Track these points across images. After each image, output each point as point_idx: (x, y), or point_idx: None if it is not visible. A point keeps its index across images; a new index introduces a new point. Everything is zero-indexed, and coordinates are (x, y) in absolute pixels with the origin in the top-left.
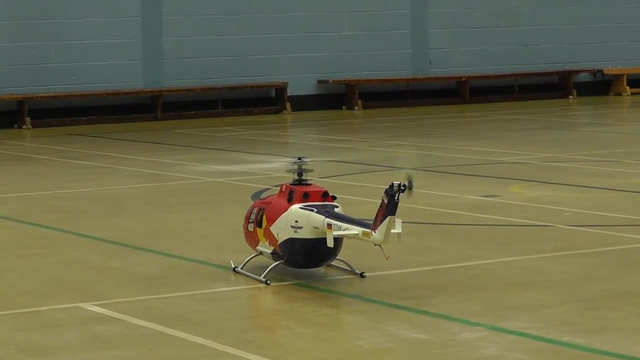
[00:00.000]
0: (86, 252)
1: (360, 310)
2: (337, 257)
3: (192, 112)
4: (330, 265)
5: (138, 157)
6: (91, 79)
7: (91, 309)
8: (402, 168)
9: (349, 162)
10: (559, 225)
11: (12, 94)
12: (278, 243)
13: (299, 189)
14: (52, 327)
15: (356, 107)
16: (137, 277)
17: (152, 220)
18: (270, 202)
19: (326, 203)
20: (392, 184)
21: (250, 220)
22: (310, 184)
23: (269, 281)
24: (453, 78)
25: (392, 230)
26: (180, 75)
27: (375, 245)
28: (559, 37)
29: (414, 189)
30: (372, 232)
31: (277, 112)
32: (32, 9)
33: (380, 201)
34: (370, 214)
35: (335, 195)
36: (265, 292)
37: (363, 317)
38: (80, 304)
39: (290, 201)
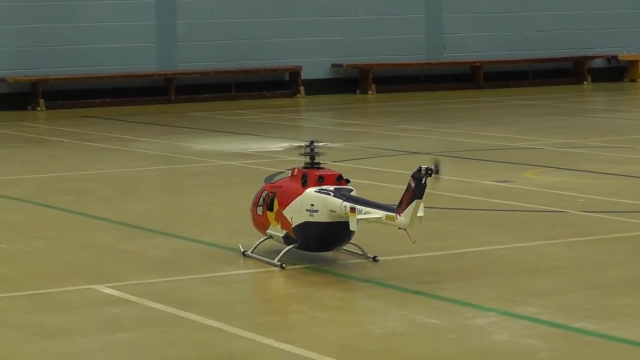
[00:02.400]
0: (100, 234)
1: (374, 295)
2: (350, 242)
3: (206, 95)
4: (342, 250)
5: (151, 140)
6: (105, 62)
7: (104, 291)
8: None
9: (362, 147)
10: (573, 211)
11: (25, 76)
12: (292, 227)
13: (313, 173)
14: (66, 309)
15: (370, 92)
16: (151, 260)
17: (165, 202)
18: (282, 186)
19: (341, 186)
20: (420, 167)
21: (259, 204)
22: (323, 168)
23: (283, 265)
24: (467, 63)
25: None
26: (194, 58)
27: (399, 229)
28: (574, 23)
29: (441, 174)
30: (397, 215)
31: (291, 95)
32: None
33: (407, 185)
34: (382, 197)
35: (349, 179)
36: (277, 275)
37: (376, 302)
38: (94, 286)
39: (305, 185)
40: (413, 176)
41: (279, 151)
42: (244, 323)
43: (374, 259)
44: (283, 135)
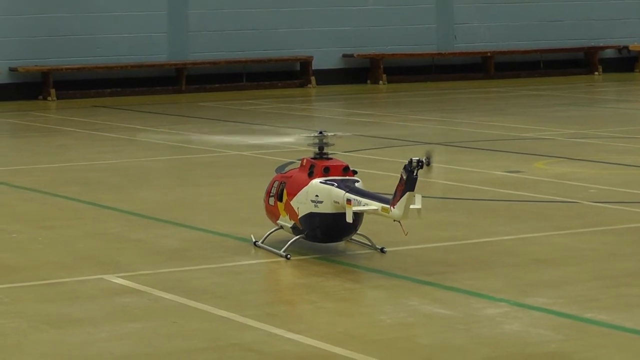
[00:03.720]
0: (110, 224)
1: (383, 286)
2: (358, 232)
3: (217, 85)
4: (351, 240)
5: (162, 130)
6: (116, 51)
7: (114, 281)
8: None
9: (373, 137)
10: (584, 202)
11: (36, 66)
12: (298, 217)
13: (319, 164)
14: (76, 299)
15: (381, 82)
16: (161, 250)
17: (175, 192)
18: (291, 176)
19: (347, 178)
20: (411, 159)
21: (271, 195)
22: (331, 158)
23: (289, 255)
24: (478, 53)
25: (412, 206)
26: (205, 48)
27: (394, 221)
28: (585, 13)
29: (433, 165)
30: (391, 207)
31: (302, 85)
32: None
33: (400, 177)
34: (393, 188)
35: (356, 170)
36: (287, 266)
37: (385, 292)
38: (104, 276)
39: (311, 175)
40: (404, 168)
41: (289, 141)
42: (254, 313)
43: (382, 250)
44: (294, 125)
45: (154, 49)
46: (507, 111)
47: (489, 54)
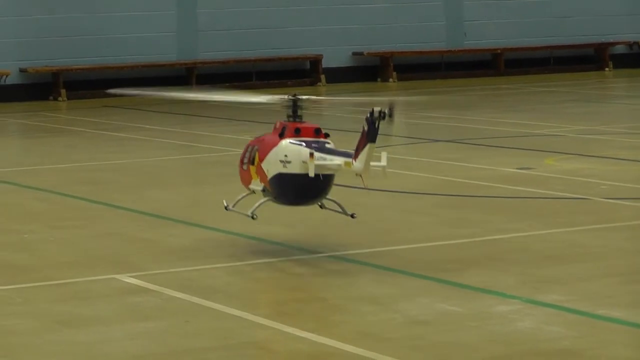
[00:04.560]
0: (121, 223)
1: (395, 283)
2: (329, 198)
3: (226, 84)
4: (322, 206)
5: (172, 129)
6: (126, 51)
7: (126, 280)
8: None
9: (384, 135)
10: (595, 198)
11: (47, 66)
12: (268, 179)
13: (291, 125)
14: (88, 299)
15: (391, 79)
16: (172, 249)
17: (186, 192)
18: (264, 139)
19: (318, 139)
20: (372, 110)
21: (244, 161)
22: (304, 121)
23: (255, 216)
24: (488, 50)
25: (377, 163)
26: (215, 47)
27: (356, 175)
28: (595, 9)
29: (395, 117)
30: (353, 161)
31: (312, 84)
32: None
33: (362, 129)
34: (400, 185)
35: (328, 133)
36: (299, 264)
37: (398, 290)
38: (116, 276)
39: (282, 137)
40: (366, 119)
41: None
42: (266, 312)
43: (352, 215)
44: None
45: (163, 48)
46: (518, 108)
47: (498, 51)
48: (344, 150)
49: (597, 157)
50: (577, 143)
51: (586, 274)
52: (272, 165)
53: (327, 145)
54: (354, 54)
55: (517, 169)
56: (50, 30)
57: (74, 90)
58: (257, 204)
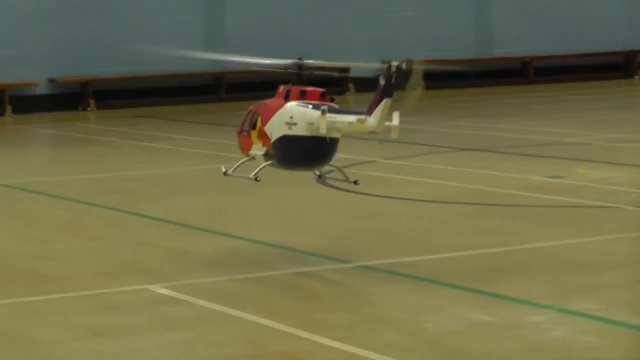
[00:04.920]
0: (149, 233)
1: (426, 292)
2: (331, 164)
3: (255, 94)
4: (321, 176)
5: (201, 139)
6: (155, 61)
7: (156, 290)
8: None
9: (414, 144)
10: (625, 207)
11: (76, 76)
12: (271, 142)
13: (296, 88)
14: (118, 309)
15: (419, 88)
16: (201, 258)
17: (214, 201)
18: (266, 104)
19: (324, 102)
20: (390, 64)
21: (244, 128)
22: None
23: (258, 178)
24: (517, 58)
25: (388, 123)
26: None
27: (369, 132)
28: (624, 17)
29: (413, 72)
30: (367, 117)
31: (340, 93)
32: None
33: (377, 84)
34: (430, 194)
35: (334, 98)
36: (328, 273)
37: (429, 299)
38: (145, 286)
39: (287, 100)
40: (383, 74)
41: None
42: (295, 321)
43: (355, 182)
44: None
45: (192, 58)
46: (547, 116)
47: (527, 59)
48: (356, 109)
49: (627, 165)
50: (607, 151)
51: (618, 283)
52: (276, 128)
53: (335, 107)
54: (383, 62)
55: (548, 177)
56: (79, 40)
57: (103, 100)
58: (258, 168)
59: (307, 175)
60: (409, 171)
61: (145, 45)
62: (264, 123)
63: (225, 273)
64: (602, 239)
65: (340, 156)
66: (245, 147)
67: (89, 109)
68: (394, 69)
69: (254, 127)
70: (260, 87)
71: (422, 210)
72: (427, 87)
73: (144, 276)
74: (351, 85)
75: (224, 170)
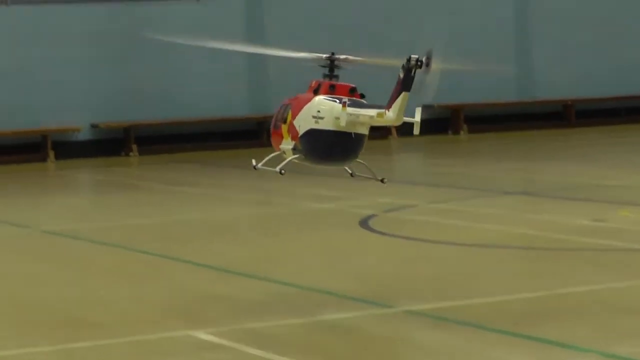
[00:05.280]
0: (192, 278)
1: (471, 338)
2: (359, 160)
3: None
4: (352, 174)
5: (242, 183)
6: (197, 106)
7: (200, 336)
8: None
9: (456, 187)
10: None
11: (118, 122)
12: (299, 136)
13: (326, 82)
14: (162, 355)
15: (461, 131)
16: (245, 304)
17: (258, 246)
18: (297, 97)
19: (352, 98)
20: (410, 57)
21: (277, 121)
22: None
23: (283, 171)
24: (558, 101)
25: (409, 119)
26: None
27: (389, 126)
28: None
29: (432, 66)
30: (386, 111)
31: (383, 137)
32: (137, 36)
33: (397, 77)
34: (473, 238)
35: (364, 94)
36: (374, 319)
37: (474, 344)
38: (189, 331)
39: (316, 93)
40: (402, 67)
41: (372, 192)
42: None
43: (382, 180)
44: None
45: (235, 102)
46: (589, 159)
47: (569, 102)
48: (376, 104)
49: None
50: None
51: None
52: (304, 122)
53: (363, 102)
54: (425, 106)
55: (590, 220)
56: (121, 86)
57: (146, 145)
58: (285, 161)
59: (351, 219)
60: (451, 215)
61: (186, 90)
62: (294, 116)
63: (271, 319)
64: None
65: (382, 200)
66: (276, 142)
67: (131, 154)
68: (413, 62)
69: (284, 121)
70: None
71: (467, 254)
72: (470, 131)
73: (187, 322)
74: (393, 130)
75: (253, 164)
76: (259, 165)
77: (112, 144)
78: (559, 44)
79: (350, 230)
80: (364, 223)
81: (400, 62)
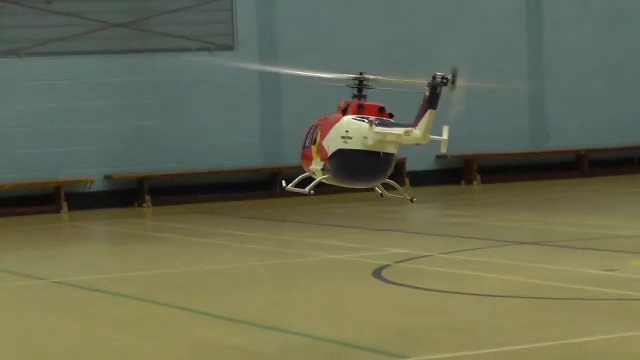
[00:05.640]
0: (208, 330)
1: None
2: (388, 181)
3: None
4: (382, 195)
5: (257, 234)
6: (210, 157)
7: None
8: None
9: (469, 238)
10: None
11: (132, 173)
12: (328, 156)
13: (355, 103)
14: None
15: (475, 182)
16: (262, 356)
17: (274, 297)
18: (327, 118)
19: (381, 118)
20: (435, 75)
21: (306, 142)
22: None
23: (312, 192)
24: (572, 152)
25: (438, 137)
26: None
27: (415, 145)
28: None
29: (458, 83)
30: (413, 129)
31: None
32: (153, 87)
33: (423, 96)
34: (486, 288)
35: (393, 114)
36: None
37: None
38: None
39: (345, 114)
40: (428, 85)
41: (387, 243)
42: None
43: (412, 200)
44: (388, 228)
45: (248, 154)
46: (603, 209)
47: (583, 152)
48: (403, 122)
49: None
50: None
51: None
52: (333, 142)
53: (392, 122)
54: (438, 157)
55: (603, 270)
56: (135, 137)
57: (159, 196)
58: (314, 183)
59: (365, 270)
60: (465, 265)
61: (200, 142)
62: (323, 137)
63: None
64: None
65: (395, 251)
66: (307, 163)
67: (145, 205)
68: (439, 80)
69: (314, 142)
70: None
71: (480, 305)
72: (484, 182)
73: None
74: (407, 180)
75: (284, 185)
76: (290, 186)
77: (126, 195)
78: (572, 94)
79: (364, 281)
80: (378, 274)
81: (426, 81)
